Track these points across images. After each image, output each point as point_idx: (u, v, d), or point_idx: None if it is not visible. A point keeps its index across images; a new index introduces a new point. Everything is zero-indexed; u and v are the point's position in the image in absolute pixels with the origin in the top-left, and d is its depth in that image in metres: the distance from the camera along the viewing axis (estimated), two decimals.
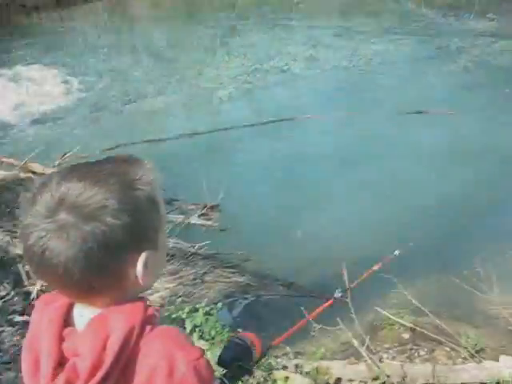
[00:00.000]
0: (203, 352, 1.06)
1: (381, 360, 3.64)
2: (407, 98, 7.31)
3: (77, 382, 1.00)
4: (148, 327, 1.04)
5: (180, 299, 4.24)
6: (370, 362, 3.50)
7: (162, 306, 4.10)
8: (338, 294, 2.78)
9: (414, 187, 5.20)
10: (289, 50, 10.39)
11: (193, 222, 5.03)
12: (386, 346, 3.91)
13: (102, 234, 0.99)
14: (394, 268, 3.37)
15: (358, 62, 9.31)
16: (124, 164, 1.09)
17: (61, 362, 1.04)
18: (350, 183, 5.42)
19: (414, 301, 3.76)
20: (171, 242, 4.75)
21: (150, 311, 1.07)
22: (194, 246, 4.79)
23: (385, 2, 13.51)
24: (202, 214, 5.12)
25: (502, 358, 3.54)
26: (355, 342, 3.62)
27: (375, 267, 3.06)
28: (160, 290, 4.36)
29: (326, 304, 2.70)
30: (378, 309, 3.95)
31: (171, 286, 4.42)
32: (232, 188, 5.22)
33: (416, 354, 3.85)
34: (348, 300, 3.29)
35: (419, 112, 6.58)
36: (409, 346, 3.91)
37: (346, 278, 3.35)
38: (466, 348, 3.66)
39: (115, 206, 1.00)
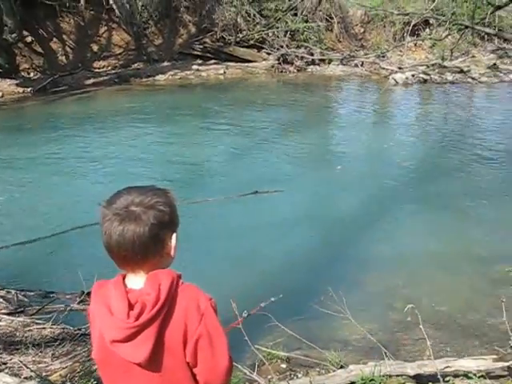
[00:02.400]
0: (212, 296, 1.81)
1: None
2: (246, 182, 8.75)
3: (145, 310, 1.65)
4: (180, 281, 1.77)
5: (79, 374, 4.60)
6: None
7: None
8: (245, 314, 3.65)
9: (267, 251, 6.37)
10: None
11: (74, 308, 5.41)
12: (269, 377, 4.68)
13: (157, 217, 1.70)
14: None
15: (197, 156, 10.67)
16: (155, 186, 1.83)
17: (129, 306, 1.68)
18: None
19: (290, 332, 4.64)
20: (58, 328, 5.13)
21: (179, 273, 1.77)
22: (80, 329, 5.17)
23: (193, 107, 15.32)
24: (82, 301, 5.53)
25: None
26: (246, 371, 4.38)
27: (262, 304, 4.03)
28: (58, 371, 4.67)
29: (238, 322, 3.55)
30: (257, 346, 4.72)
31: (68, 364, 4.75)
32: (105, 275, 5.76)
33: (295, 378, 4.70)
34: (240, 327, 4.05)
35: (255, 192, 7.89)
36: (288, 373, 4.75)
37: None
38: (333, 363, 4.60)
39: (162, 201, 1.74)
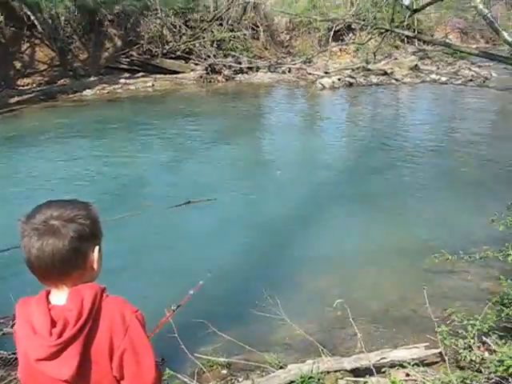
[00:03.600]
0: (138, 308, 1.80)
1: None
2: (179, 192, 8.75)
3: (68, 327, 1.64)
4: (104, 294, 1.75)
5: None
6: None
7: None
8: (174, 307, 3.71)
9: (201, 259, 6.43)
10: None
11: (7, 331, 5.25)
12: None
13: (77, 230, 1.68)
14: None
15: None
16: (76, 200, 1.81)
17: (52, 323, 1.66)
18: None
19: (229, 337, 4.66)
20: None
21: (103, 286, 1.76)
22: (15, 353, 5.03)
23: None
24: (14, 324, 5.38)
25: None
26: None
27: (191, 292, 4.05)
28: None
29: (168, 316, 3.60)
30: (197, 354, 4.71)
31: None
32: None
33: (236, 382, 4.72)
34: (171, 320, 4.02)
35: (188, 202, 7.89)
36: (228, 379, 4.77)
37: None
38: (272, 365, 4.66)
39: (83, 214, 1.72)
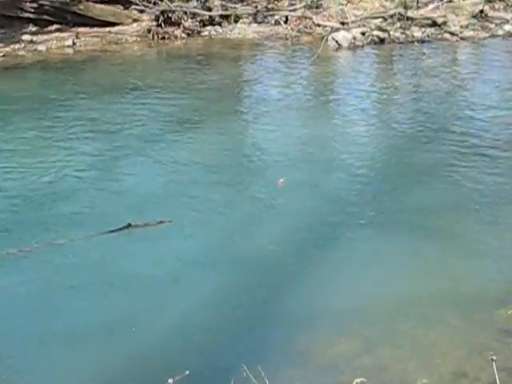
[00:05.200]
0: None
1: None
2: (114, 210, 8.82)
3: None
4: None
5: None
6: None
7: None
8: None
9: (152, 313, 6.49)
10: None
11: None
12: None
13: None
14: None
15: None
16: None
17: None
18: None
19: None
20: None
21: None
22: None
23: None
24: None
25: None
26: None
27: None
28: None
29: None
30: None
31: None
32: None
33: None
34: None
35: (128, 226, 7.88)
36: None
37: None
38: None
39: None
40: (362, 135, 12.57)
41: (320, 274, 7.48)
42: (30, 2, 21.36)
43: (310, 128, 13.40)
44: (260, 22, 22.16)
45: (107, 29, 21.20)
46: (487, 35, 21.12)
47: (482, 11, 22.45)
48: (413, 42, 20.41)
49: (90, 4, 21.52)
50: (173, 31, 21.19)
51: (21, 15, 21.39)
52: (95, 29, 21.16)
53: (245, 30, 21.78)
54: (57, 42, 20.47)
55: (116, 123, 13.24)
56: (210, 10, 21.96)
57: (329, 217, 8.92)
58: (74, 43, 20.44)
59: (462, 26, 21.40)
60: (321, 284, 7.25)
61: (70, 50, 20.14)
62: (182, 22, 21.37)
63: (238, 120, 14.00)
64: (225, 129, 13.17)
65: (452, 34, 20.98)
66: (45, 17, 21.42)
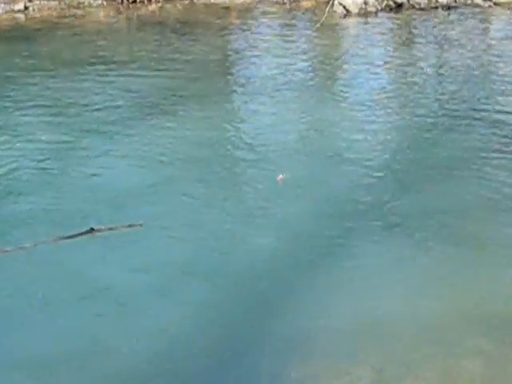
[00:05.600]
0: None
1: None
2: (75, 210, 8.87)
3: None
4: None
5: None
6: None
7: None
8: None
9: (122, 336, 6.61)
10: None
11: None
12: None
13: None
14: None
15: None
16: None
17: None
18: None
19: None
20: None
21: None
22: None
23: None
24: None
25: None
26: None
27: None
28: None
29: None
30: None
31: None
32: None
33: None
34: None
35: (91, 230, 7.87)
36: None
37: None
38: None
39: None
40: (374, 121, 12.57)
41: (324, 289, 7.45)
42: None
43: (312, 113, 13.34)
44: None
45: None
46: None
47: None
48: (436, 7, 20.45)
49: None
50: None
51: None
52: None
53: None
54: (5, 5, 20.47)
55: (78, 105, 13.24)
56: None
57: (336, 220, 8.90)
58: (25, 7, 20.45)
59: None
60: (324, 301, 7.22)
61: (22, 16, 20.16)
62: None
63: (226, 102, 14.00)
64: (209, 113, 13.10)
65: None
66: None
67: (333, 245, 8.30)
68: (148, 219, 8.49)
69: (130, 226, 8.21)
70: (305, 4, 20.91)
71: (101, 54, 16.63)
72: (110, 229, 8.15)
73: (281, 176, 9.83)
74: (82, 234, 8.00)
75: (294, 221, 8.94)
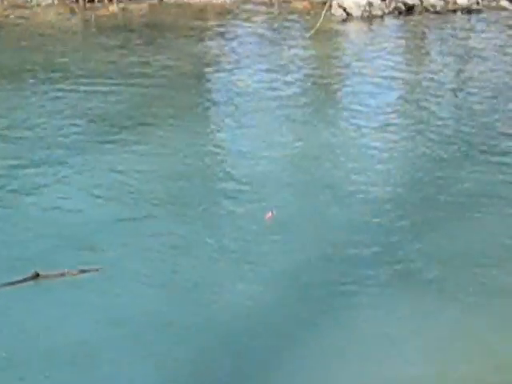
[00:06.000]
0: None
1: None
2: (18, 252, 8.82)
3: None
4: None
5: None
6: None
7: None
8: None
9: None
10: None
11: None
12: None
13: None
14: None
15: None
16: None
17: None
18: None
19: None
20: None
21: None
22: None
23: None
24: None
25: None
26: None
27: None
28: None
29: None
30: None
31: None
32: None
33: None
34: None
35: (36, 276, 7.88)
36: None
37: None
38: None
39: None
40: (377, 148, 12.63)
41: (322, 353, 7.44)
42: None
43: (304, 136, 13.39)
44: None
45: None
46: None
47: None
48: (455, 11, 20.61)
49: None
50: None
51: None
52: None
53: None
54: None
55: (25, 123, 13.25)
56: None
57: (335, 267, 8.90)
58: None
59: None
60: (323, 369, 7.23)
61: None
62: None
63: (201, 122, 14.05)
64: (182, 136, 13.17)
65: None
66: None
67: (332, 295, 8.31)
68: (107, 263, 8.51)
69: (83, 271, 8.19)
70: (297, 5, 21.03)
71: (51, 63, 16.68)
72: (60, 274, 8.16)
73: (270, 213, 9.85)
74: (25, 280, 8.00)
75: (285, 266, 8.92)
